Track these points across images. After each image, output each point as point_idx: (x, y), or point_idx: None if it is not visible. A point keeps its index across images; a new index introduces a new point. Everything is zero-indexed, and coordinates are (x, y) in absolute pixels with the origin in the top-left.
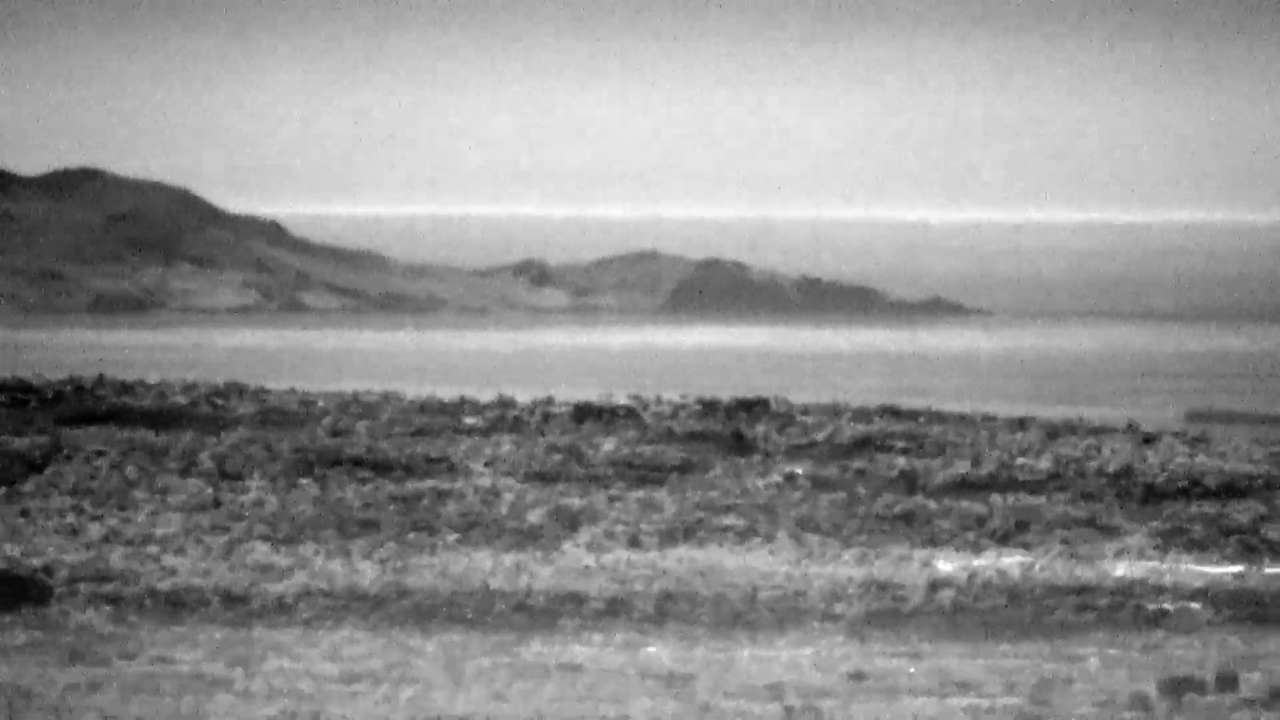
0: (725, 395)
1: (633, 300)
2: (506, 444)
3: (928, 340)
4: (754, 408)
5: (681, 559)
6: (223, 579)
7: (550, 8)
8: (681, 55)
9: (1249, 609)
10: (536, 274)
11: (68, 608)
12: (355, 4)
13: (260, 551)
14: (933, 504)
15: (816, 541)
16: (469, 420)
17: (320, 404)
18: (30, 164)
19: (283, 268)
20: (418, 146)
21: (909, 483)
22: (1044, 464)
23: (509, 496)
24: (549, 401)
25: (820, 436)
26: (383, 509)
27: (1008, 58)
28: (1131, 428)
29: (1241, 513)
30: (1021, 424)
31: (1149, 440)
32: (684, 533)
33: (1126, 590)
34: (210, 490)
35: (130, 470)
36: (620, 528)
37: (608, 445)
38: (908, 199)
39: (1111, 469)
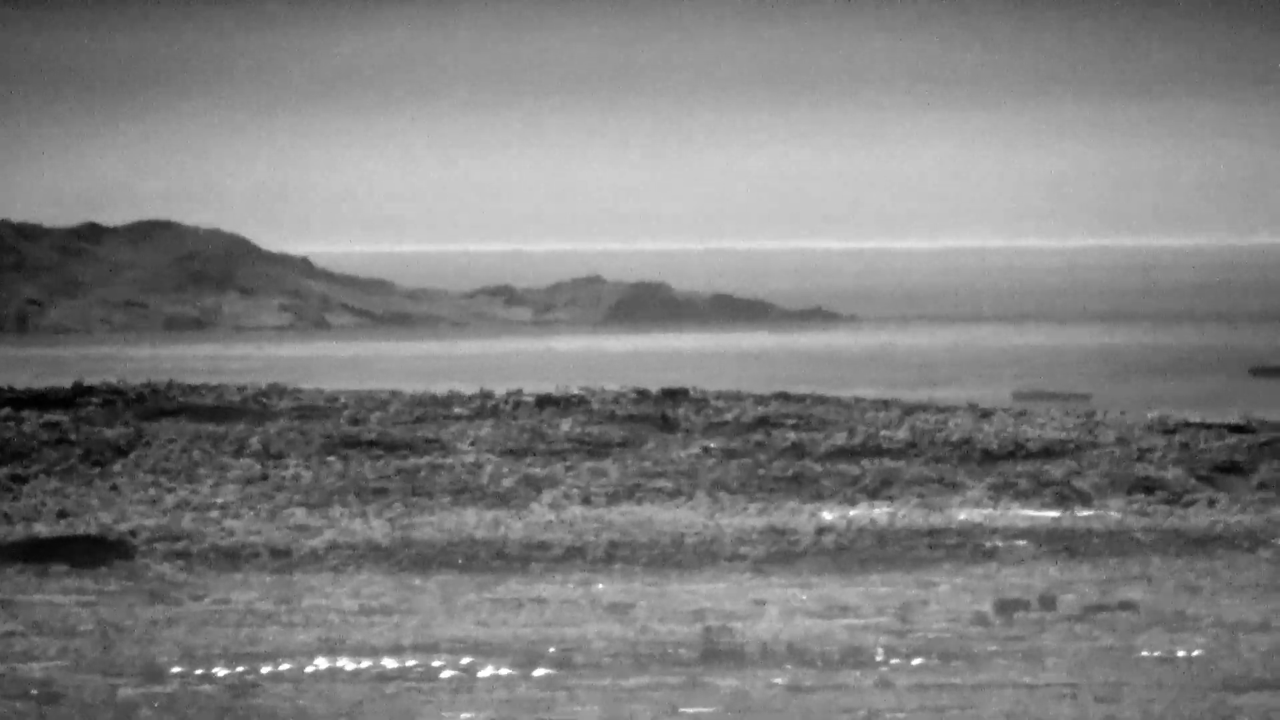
0: (655, 386)
1: (581, 314)
2: (486, 427)
3: (811, 341)
4: (677, 395)
5: (624, 514)
6: (269, 536)
7: (514, 98)
8: (616, 124)
9: (1064, 544)
10: (507, 296)
11: (149, 561)
12: (369, 91)
13: (298, 514)
14: (818, 467)
15: (727, 498)
16: (457, 409)
17: (342, 400)
18: (118, 217)
19: (310, 294)
20: (415, 198)
21: (798, 451)
22: (903, 435)
23: (489, 468)
24: (519, 393)
25: (729, 416)
26: (391, 479)
27: (880, 119)
28: (971, 405)
29: (1057, 469)
30: (885, 404)
31: (985, 415)
32: (625, 493)
33: (968, 532)
34: (259, 467)
35: (196, 453)
36: (575, 490)
37: (565, 426)
38: (793, 232)
39: (955, 438)
